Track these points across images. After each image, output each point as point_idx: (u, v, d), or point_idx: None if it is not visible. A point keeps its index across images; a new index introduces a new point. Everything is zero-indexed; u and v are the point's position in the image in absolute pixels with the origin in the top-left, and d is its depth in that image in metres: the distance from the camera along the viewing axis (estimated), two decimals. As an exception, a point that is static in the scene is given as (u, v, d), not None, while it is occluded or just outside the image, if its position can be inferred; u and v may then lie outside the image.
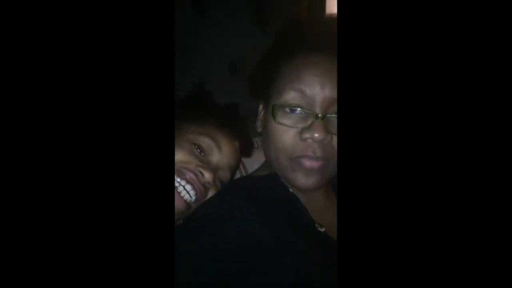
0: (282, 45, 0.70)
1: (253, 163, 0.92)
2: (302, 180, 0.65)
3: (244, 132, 0.89)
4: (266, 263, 0.58)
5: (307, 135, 0.62)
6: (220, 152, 0.76)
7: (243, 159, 0.93)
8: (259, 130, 0.74)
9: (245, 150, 0.89)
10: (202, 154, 0.74)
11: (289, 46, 0.68)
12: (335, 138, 0.63)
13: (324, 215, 0.69)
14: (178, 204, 0.68)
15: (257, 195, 0.66)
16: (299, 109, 0.64)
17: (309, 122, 0.63)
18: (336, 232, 0.63)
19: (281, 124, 0.64)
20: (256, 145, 0.94)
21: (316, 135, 0.61)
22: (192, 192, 0.70)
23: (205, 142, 0.75)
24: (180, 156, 0.71)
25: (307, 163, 0.64)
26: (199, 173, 0.71)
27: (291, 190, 0.70)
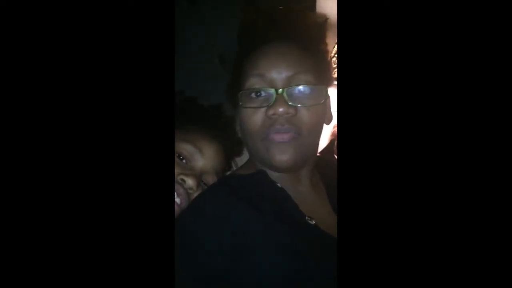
0: (249, 37, 0.75)
1: (245, 159, 0.92)
2: (278, 157, 0.68)
3: (230, 131, 0.91)
4: (259, 259, 0.60)
5: (271, 111, 0.67)
6: (203, 156, 0.78)
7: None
8: (238, 127, 0.77)
9: (235, 149, 0.90)
10: (185, 161, 0.76)
11: (254, 39, 0.73)
12: (301, 111, 0.68)
13: (314, 208, 0.70)
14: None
15: (245, 193, 0.67)
16: (262, 92, 0.69)
17: (272, 100, 0.67)
18: (325, 224, 0.65)
19: (248, 107, 0.69)
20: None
21: (280, 109, 0.66)
22: (177, 200, 0.73)
23: (187, 149, 0.76)
24: None
25: (277, 136, 0.67)
26: (181, 181, 0.73)
27: (279, 185, 0.71)
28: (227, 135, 0.86)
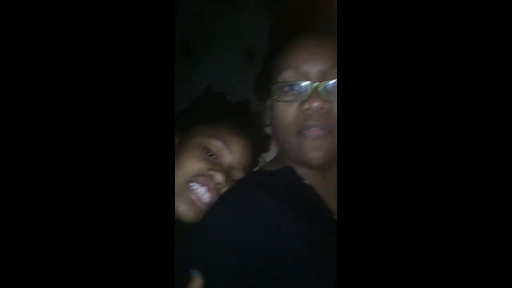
0: (281, 30, 0.75)
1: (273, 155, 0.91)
2: (311, 153, 0.66)
3: (257, 127, 0.89)
4: (285, 254, 0.60)
5: (306, 106, 0.65)
6: (231, 152, 0.78)
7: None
8: (268, 121, 0.77)
9: (262, 145, 0.90)
10: (213, 157, 0.77)
11: (287, 31, 0.73)
12: (335, 106, 0.66)
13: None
14: (199, 206, 0.74)
15: (273, 189, 0.67)
16: (296, 86, 0.67)
17: (307, 94, 0.66)
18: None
19: (281, 101, 0.68)
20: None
21: (315, 104, 0.65)
22: (206, 195, 0.74)
23: (215, 144, 0.78)
24: (191, 164, 0.75)
25: (312, 132, 0.66)
26: (210, 176, 0.74)
27: (306, 182, 0.70)
28: (255, 130, 0.86)
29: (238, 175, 0.79)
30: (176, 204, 0.73)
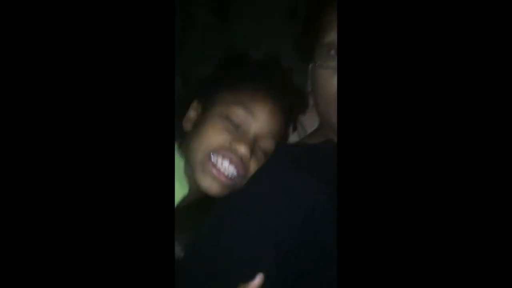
0: None
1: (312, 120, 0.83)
2: None
3: (288, 87, 0.79)
4: (325, 233, 0.57)
5: None
6: (256, 121, 0.70)
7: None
8: (309, 88, 0.69)
9: (297, 106, 0.81)
10: (236, 127, 0.70)
11: None
12: None
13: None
14: (222, 180, 0.67)
15: (312, 164, 0.63)
16: None
17: None
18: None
19: (325, 67, 0.61)
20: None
21: None
22: (231, 168, 0.67)
23: (237, 113, 0.70)
24: (213, 135, 0.69)
25: None
26: (233, 149, 0.68)
27: None
28: (285, 92, 0.77)
29: (268, 144, 0.71)
30: (198, 179, 0.68)
